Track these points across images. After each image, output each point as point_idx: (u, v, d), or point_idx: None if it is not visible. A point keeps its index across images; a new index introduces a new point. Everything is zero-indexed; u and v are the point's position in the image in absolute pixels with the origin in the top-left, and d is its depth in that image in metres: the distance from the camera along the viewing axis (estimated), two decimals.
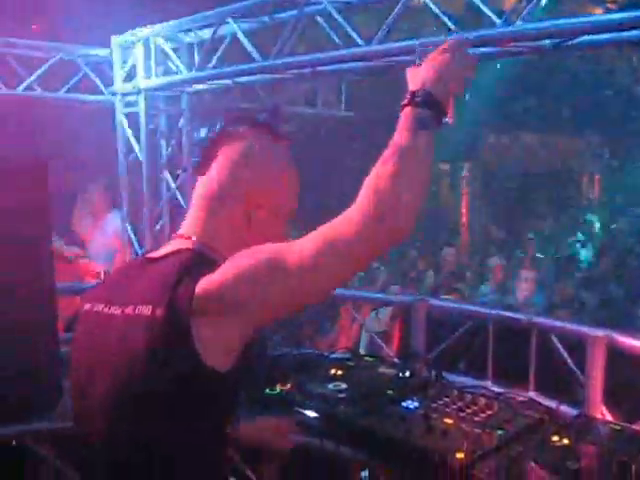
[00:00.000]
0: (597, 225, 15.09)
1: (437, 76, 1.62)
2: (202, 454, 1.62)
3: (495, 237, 13.42)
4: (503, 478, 2.51)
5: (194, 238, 1.74)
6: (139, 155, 6.86)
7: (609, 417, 3.29)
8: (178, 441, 1.62)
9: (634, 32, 3.30)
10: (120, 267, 1.99)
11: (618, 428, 2.99)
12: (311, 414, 3.13)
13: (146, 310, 1.61)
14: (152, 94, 6.67)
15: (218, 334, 1.57)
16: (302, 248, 1.54)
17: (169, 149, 7.09)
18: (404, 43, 4.02)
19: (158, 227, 7.12)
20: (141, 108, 6.67)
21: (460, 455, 2.63)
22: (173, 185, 7.05)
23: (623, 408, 3.35)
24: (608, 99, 12.00)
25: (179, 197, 7.05)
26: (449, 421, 3.00)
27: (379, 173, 1.52)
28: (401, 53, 4.07)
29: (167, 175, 7.12)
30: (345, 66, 4.96)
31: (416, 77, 1.65)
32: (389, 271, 9.88)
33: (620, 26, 3.24)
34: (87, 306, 1.80)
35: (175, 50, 6.47)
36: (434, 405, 3.21)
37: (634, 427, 3.04)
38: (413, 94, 1.61)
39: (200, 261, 1.68)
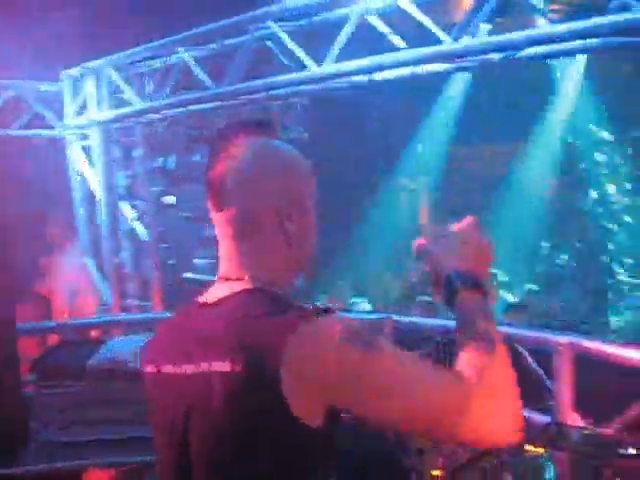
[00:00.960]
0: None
1: (471, 258, 1.54)
2: None
3: None
4: None
5: (247, 278, 1.55)
6: (95, 188, 6.79)
7: (580, 422, 3.31)
8: None
9: (579, 42, 3.38)
10: (173, 318, 1.69)
11: (590, 433, 3.00)
12: None
13: (224, 365, 1.44)
14: (105, 126, 6.61)
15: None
16: (415, 395, 1.38)
17: (125, 180, 7.04)
18: (356, 63, 4.05)
19: (118, 260, 7.04)
20: (95, 141, 6.62)
21: (436, 472, 2.62)
22: (132, 216, 6.98)
23: (594, 412, 3.36)
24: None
25: (139, 228, 7.00)
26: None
27: (483, 371, 1.38)
28: (354, 73, 4.10)
29: (125, 207, 7.06)
30: (299, 89, 4.98)
31: (446, 256, 1.55)
32: (353, 284, 9.87)
33: (563, 37, 3.32)
34: (149, 368, 1.61)
35: (126, 81, 6.44)
36: None
37: (605, 431, 3.06)
38: (464, 277, 1.51)
39: (269, 301, 1.50)
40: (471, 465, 2.66)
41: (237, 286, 1.53)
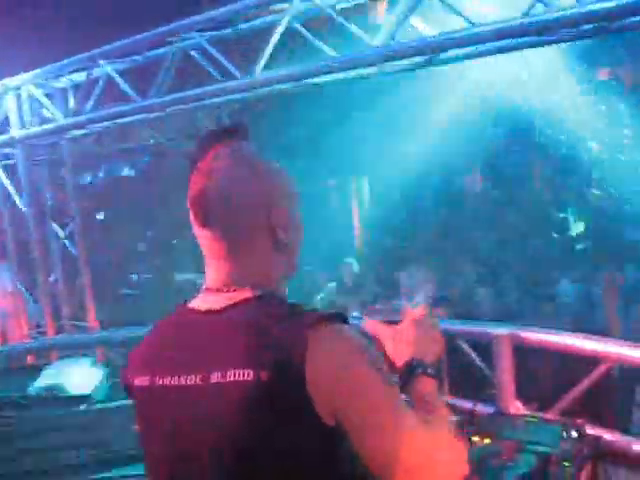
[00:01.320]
0: None
1: (424, 348, 1.62)
2: None
3: (392, 248, 13.56)
4: None
5: (247, 287, 1.50)
6: (22, 207, 6.62)
7: (523, 410, 3.41)
8: None
9: (497, 44, 3.50)
10: (163, 325, 1.60)
11: (533, 420, 3.11)
12: None
13: (245, 375, 1.38)
14: (29, 144, 6.45)
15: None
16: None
17: (53, 198, 6.89)
18: (285, 71, 4.07)
19: (52, 279, 6.88)
20: (19, 159, 6.44)
21: None
22: (62, 235, 6.84)
23: (535, 399, 3.48)
24: None
25: (70, 246, 6.86)
26: None
27: (447, 447, 1.46)
28: (283, 81, 4.13)
29: (54, 225, 6.91)
30: (227, 98, 4.96)
31: (403, 347, 1.61)
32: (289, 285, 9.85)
33: (482, 39, 3.44)
34: (140, 381, 1.53)
35: (48, 97, 6.29)
36: None
37: (547, 416, 3.17)
38: (424, 365, 1.59)
39: (278, 306, 1.48)
40: None
41: (237, 295, 1.48)
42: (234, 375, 1.38)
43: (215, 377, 1.40)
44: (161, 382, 1.49)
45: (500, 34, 3.38)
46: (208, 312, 1.49)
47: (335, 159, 11.98)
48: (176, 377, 1.46)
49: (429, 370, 1.57)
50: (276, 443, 1.37)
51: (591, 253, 9.44)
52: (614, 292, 6.31)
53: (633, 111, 10.97)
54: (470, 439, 2.96)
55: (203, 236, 1.54)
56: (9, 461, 3.70)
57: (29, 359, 5.97)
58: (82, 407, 3.75)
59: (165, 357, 1.51)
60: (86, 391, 3.90)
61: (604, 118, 11.22)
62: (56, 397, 3.83)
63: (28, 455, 3.70)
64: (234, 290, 1.49)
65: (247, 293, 1.48)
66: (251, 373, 1.36)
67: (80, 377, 4.00)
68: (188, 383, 1.44)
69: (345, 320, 1.44)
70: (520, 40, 3.52)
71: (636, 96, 11.11)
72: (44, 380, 3.92)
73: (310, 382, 1.34)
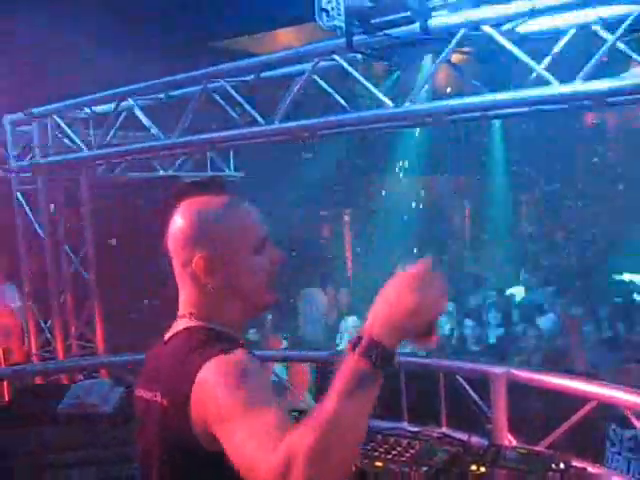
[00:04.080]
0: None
1: (389, 319, 1.39)
2: None
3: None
4: None
5: (190, 316, 1.81)
6: (40, 232, 6.87)
7: (515, 442, 3.71)
8: None
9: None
10: (152, 348, 1.94)
11: (524, 451, 3.40)
12: None
13: (159, 398, 1.74)
14: (49, 170, 6.72)
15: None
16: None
17: (68, 224, 7.15)
18: (304, 122, 4.40)
19: (62, 301, 7.11)
20: (39, 186, 6.72)
21: None
22: (75, 260, 7.11)
23: (526, 433, 3.78)
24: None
25: (82, 270, 7.13)
26: (379, 464, 3.29)
27: (297, 441, 1.33)
28: (301, 131, 4.45)
29: (67, 249, 7.16)
30: (246, 142, 5.24)
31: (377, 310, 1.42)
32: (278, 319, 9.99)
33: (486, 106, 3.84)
34: (137, 391, 1.91)
35: (71, 126, 6.57)
36: (362, 451, 3.45)
37: (537, 448, 3.48)
38: (359, 342, 1.40)
39: (200, 339, 1.72)
40: None
41: (183, 324, 1.80)
42: (159, 397, 1.75)
43: (155, 396, 1.77)
44: (139, 394, 1.88)
45: (507, 103, 3.75)
46: (164, 342, 1.85)
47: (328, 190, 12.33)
48: (145, 392, 1.84)
49: (365, 352, 1.38)
50: (175, 462, 1.70)
51: None
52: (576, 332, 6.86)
53: None
54: (469, 468, 3.24)
55: (174, 265, 1.87)
56: (35, 477, 3.96)
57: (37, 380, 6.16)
58: (107, 424, 4.01)
59: (145, 375, 1.91)
60: (109, 410, 4.16)
61: None
62: (82, 415, 4.09)
63: (55, 470, 3.97)
64: (183, 316, 1.82)
65: (189, 322, 1.81)
66: (160, 397, 1.73)
67: (103, 396, 4.26)
68: (148, 398, 1.82)
69: (248, 351, 1.65)
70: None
71: None
72: (73, 399, 4.17)
73: (192, 410, 1.60)
